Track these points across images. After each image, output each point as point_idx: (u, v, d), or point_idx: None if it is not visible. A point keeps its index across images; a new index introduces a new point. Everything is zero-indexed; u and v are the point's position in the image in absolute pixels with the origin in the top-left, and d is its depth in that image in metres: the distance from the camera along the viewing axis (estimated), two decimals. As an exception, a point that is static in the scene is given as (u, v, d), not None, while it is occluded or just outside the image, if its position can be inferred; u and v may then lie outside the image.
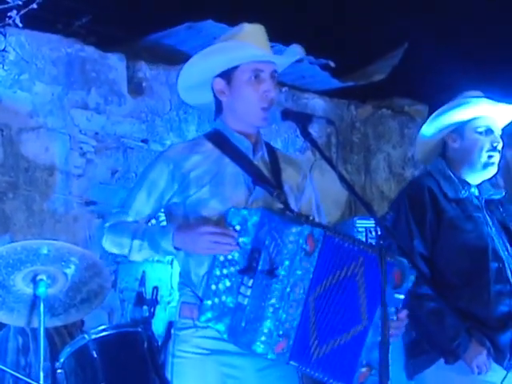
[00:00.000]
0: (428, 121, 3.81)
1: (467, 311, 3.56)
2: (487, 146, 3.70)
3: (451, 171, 3.72)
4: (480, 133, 3.70)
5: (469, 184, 3.72)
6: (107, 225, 2.98)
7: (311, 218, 2.76)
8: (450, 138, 3.77)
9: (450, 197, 3.66)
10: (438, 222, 3.62)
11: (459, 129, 3.73)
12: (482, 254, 3.60)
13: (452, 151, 3.77)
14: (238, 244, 2.73)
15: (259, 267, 2.68)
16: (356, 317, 2.77)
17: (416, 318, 3.57)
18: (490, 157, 3.70)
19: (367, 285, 2.76)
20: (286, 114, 2.92)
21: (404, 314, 2.84)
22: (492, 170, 3.74)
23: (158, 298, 4.27)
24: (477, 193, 3.74)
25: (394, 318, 2.80)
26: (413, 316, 3.60)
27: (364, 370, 2.78)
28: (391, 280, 2.75)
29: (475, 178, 3.74)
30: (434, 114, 3.78)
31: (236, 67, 2.97)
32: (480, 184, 3.76)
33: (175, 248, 2.84)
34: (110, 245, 2.97)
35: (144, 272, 4.43)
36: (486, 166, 3.71)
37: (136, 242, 2.88)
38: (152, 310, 4.20)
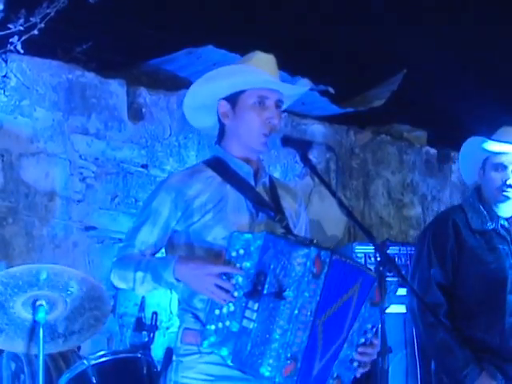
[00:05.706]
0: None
1: (482, 341, 3.62)
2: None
3: (482, 203, 3.76)
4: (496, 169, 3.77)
5: (498, 216, 3.76)
6: (114, 259, 2.96)
7: (315, 241, 2.74)
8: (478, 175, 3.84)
9: (475, 228, 3.74)
10: (459, 252, 3.71)
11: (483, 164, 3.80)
12: (500, 285, 3.67)
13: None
14: (241, 268, 2.71)
15: (265, 291, 2.66)
16: (341, 332, 2.77)
17: (428, 346, 3.61)
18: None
19: (356, 302, 2.77)
20: (286, 141, 2.94)
21: (377, 340, 2.81)
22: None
23: (158, 324, 4.26)
24: (507, 225, 3.79)
25: (369, 335, 2.81)
26: (426, 345, 3.65)
27: (334, 382, 2.77)
28: (371, 296, 2.78)
29: (503, 210, 3.78)
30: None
31: (242, 91, 2.99)
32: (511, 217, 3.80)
33: (176, 279, 2.80)
34: (117, 280, 2.94)
35: (143, 297, 4.41)
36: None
37: (139, 274, 2.85)
38: (151, 335, 4.18)
